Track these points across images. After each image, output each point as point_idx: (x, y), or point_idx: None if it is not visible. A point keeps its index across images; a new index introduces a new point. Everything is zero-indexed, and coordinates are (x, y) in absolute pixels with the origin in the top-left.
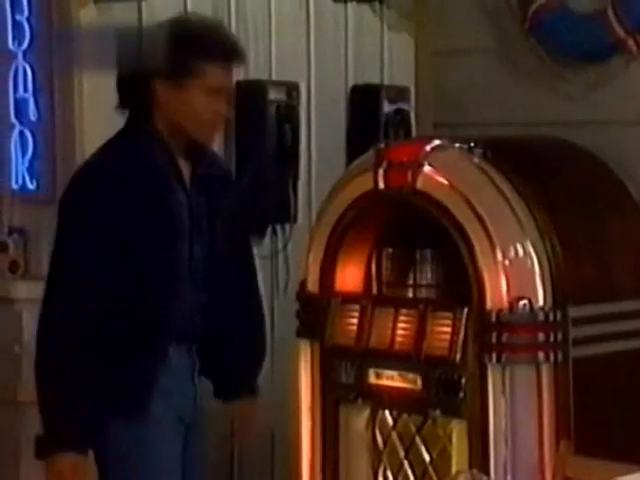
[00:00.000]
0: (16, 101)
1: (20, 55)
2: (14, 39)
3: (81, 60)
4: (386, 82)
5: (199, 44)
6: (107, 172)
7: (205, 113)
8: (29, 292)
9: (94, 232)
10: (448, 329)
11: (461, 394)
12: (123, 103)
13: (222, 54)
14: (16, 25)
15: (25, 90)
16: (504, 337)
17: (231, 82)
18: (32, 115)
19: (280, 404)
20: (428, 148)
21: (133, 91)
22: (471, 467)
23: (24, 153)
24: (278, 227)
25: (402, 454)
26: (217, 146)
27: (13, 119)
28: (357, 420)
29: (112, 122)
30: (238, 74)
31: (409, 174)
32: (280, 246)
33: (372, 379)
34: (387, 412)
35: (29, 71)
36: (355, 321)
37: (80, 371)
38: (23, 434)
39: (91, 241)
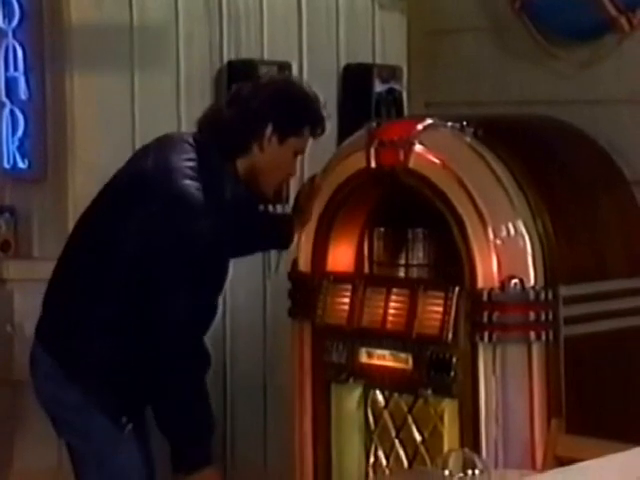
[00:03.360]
0: (7, 80)
1: (10, 33)
2: (4, 17)
3: (72, 39)
4: (378, 61)
5: (312, 111)
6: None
7: (285, 170)
8: (20, 272)
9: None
10: (439, 308)
11: (452, 373)
12: (236, 138)
13: (321, 126)
14: (6, 3)
15: (16, 69)
16: (495, 316)
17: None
18: (23, 94)
19: (272, 385)
20: (420, 127)
21: (246, 130)
22: (462, 446)
23: (15, 132)
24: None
25: (394, 433)
26: None
27: (4, 98)
28: (349, 399)
29: (102, 101)
30: (229, 53)
31: (401, 153)
32: None
33: (364, 358)
34: (378, 391)
35: (19, 50)
36: (347, 300)
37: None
38: (17, 412)
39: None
